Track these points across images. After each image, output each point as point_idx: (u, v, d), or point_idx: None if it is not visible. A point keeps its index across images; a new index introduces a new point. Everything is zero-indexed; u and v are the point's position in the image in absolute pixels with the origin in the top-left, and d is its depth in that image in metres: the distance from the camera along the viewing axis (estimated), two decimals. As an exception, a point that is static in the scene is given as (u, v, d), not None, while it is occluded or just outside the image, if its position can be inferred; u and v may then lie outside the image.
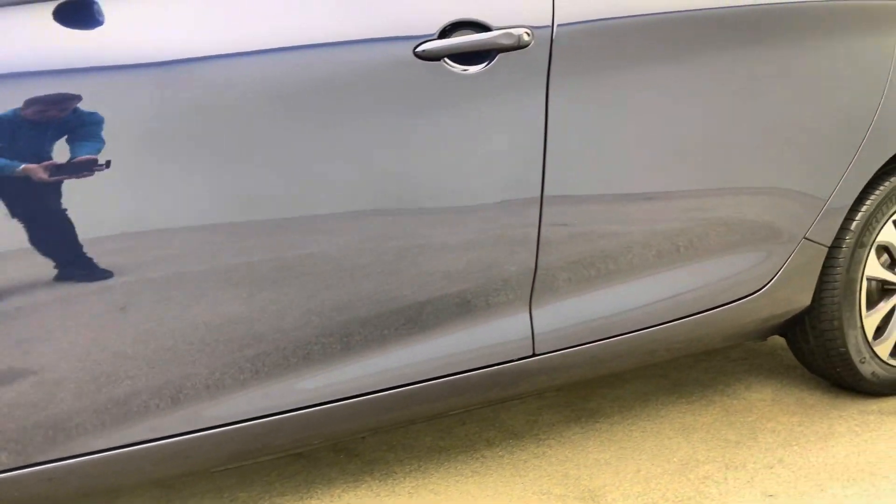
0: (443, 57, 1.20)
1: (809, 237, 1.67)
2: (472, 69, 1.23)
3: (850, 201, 1.71)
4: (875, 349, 1.84)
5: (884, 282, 1.87)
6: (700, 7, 1.46)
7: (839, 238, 1.76)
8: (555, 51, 1.30)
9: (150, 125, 1.05)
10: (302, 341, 1.21)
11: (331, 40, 1.17)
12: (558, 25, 1.30)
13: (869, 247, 1.78)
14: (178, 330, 1.12)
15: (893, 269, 1.86)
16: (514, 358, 1.40)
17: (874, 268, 1.80)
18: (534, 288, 1.38)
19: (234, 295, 1.14)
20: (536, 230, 1.34)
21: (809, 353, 1.90)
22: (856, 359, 1.82)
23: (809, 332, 1.84)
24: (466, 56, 1.24)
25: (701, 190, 1.54)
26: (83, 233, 1.02)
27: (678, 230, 1.51)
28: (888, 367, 1.87)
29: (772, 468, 1.60)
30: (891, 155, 1.74)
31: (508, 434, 1.77)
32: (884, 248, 1.86)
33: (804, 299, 1.75)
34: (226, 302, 1.13)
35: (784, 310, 1.73)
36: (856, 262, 1.76)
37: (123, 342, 1.08)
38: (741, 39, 1.53)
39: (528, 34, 1.26)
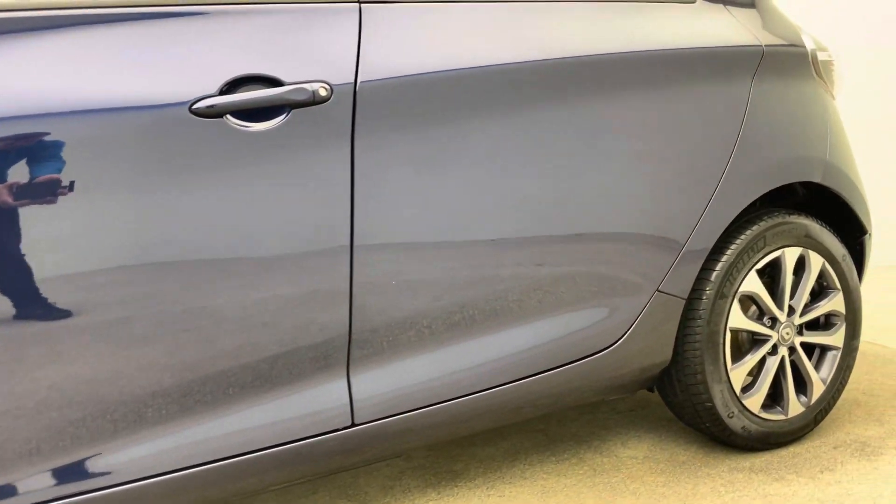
0: (224, 114, 1.13)
1: (663, 289, 1.62)
2: (259, 126, 1.16)
3: (706, 252, 1.66)
4: (745, 403, 1.78)
5: (753, 333, 1.82)
6: (526, 59, 1.42)
7: (698, 289, 1.71)
8: (360, 105, 1.24)
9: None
10: (83, 417, 1.11)
11: (110, 101, 1.09)
12: (363, 81, 1.24)
13: (731, 297, 1.73)
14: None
15: (762, 320, 1.81)
16: (332, 429, 1.31)
17: (738, 319, 1.75)
18: (350, 351, 1.29)
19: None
20: (348, 289, 1.26)
21: (679, 408, 1.84)
22: (723, 413, 1.75)
23: (676, 386, 1.78)
24: (259, 111, 1.17)
25: (541, 243, 1.48)
26: None
27: (518, 285, 1.45)
28: (760, 420, 1.82)
29: (624, 535, 1.52)
30: (745, 205, 1.70)
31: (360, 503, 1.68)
32: (750, 299, 1.82)
33: (664, 353, 1.69)
34: None
35: (644, 364, 1.67)
36: (717, 313, 1.71)
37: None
38: (578, 90, 1.49)
39: (326, 89, 1.20)
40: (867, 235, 1.99)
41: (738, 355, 1.81)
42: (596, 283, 1.54)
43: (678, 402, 1.81)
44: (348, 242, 1.25)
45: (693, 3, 1.73)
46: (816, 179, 1.82)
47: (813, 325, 1.95)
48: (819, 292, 1.94)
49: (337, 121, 1.22)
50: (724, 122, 1.67)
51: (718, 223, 1.66)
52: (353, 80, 1.23)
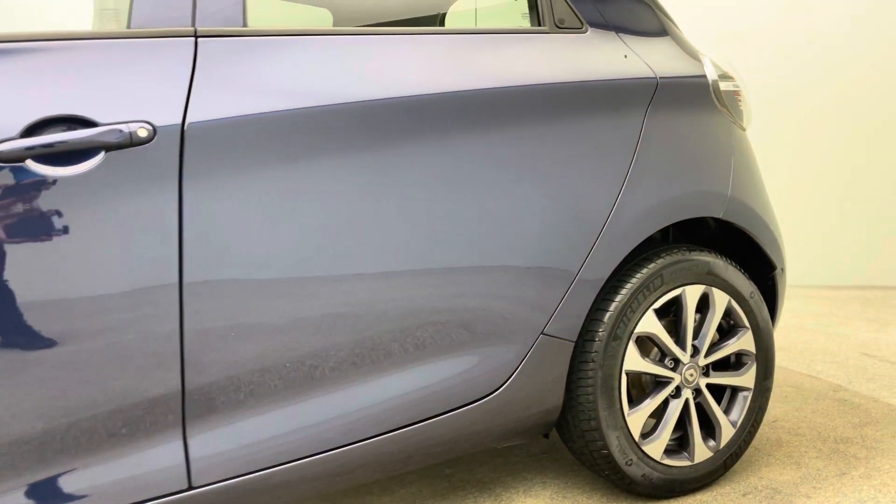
0: (25, 158, 1.05)
1: (549, 333, 1.54)
2: (67, 170, 1.08)
3: (595, 293, 1.58)
4: (645, 449, 1.70)
5: (655, 375, 1.74)
6: (384, 96, 1.35)
7: (590, 331, 1.63)
8: (189, 146, 1.16)
9: None
10: None
11: None
12: (193, 121, 1.17)
13: (626, 339, 1.65)
14: None
15: (664, 361, 1.73)
16: (167, 492, 1.21)
17: (634, 361, 1.67)
18: (185, 408, 1.20)
19: None
20: (178, 339, 1.18)
21: (579, 454, 1.75)
22: (621, 461, 1.67)
23: (573, 432, 1.69)
24: (73, 154, 1.09)
25: (406, 286, 1.40)
26: None
27: (384, 331, 1.37)
28: (663, 467, 1.73)
29: None
30: (636, 243, 1.63)
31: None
32: (649, 340, 1.74)
33: (554, 399, 1.61)
34: None
35: (532, 411, 1.59)
36: (610, 356, 1.62)
37: None
38: (443, 125, 1.42)
39: (147, 130, 1.12)
40: (778, 272, 1.92)
41: (641, 399, 1.73)
42: (471, 327, 1.46)
43: (576, 448, 1.73)
44: (177, 294, 1.17)
45: (583, 32, 1.67)
46: (717, 215, 1.75)
47: (723, 366, 1.87)
48: (728, 331, 1.86)
49: (160, 163, 1.14)
50: (614, 156, 1.60)
51: (607, 262, 1.59)
52: (180, 120, 1.15)
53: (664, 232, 1.99)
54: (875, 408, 2.41)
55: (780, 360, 3.15)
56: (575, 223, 1.55)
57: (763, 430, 2.22)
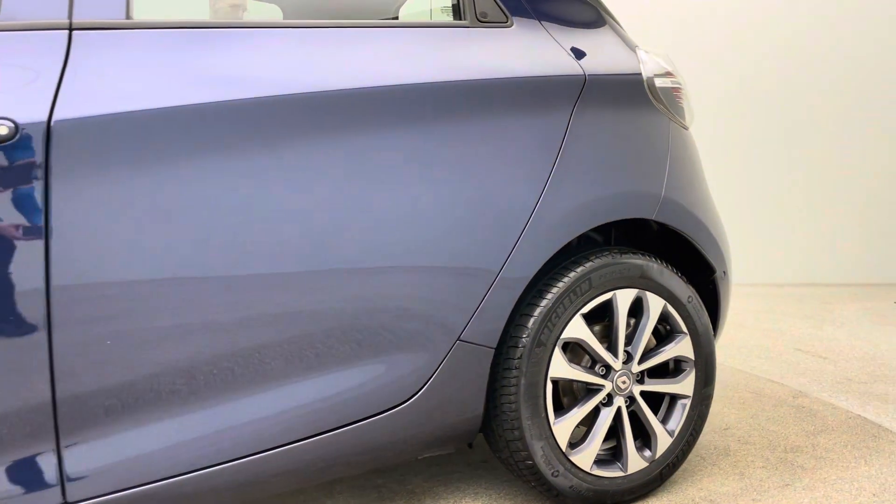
0: None
1: (466, 339, 1.48)
2: None
3: (515, 298, 1.52)
4: (573, 459, 1.63)
5: (585, 383, 1.67)
6: (270, 94, 1.29)
7: (514, 337, 1.56)
8: (56, 144, 1.10)
9: None
10: None
11: None
12: (61, 118, 1.11)
13: (551, 345, 1.58)
14: None
15: (594, 368, 1.66)
16: (40, 508, 1.15)
17: (560, 368, 1.60)
18: (57, 420, 1.14)
19: None
20: (46, 348, 1.12)
21: (506, 464, 1.68)
22: (546, 472, 1.60)
23: (498, 442, 1.63)
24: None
25: (305, 289, 1.33)
26: None
27: (281, 337, 1.31)
28: (593, 478, 1.66)
29: None
30: (560, 245, 1.56)
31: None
32: (578, 346, 1.67)
33: (474, 408, 1.54)
34: None
35: (451, 420, 1.52)
36: (534, 363, 1.56)
37: None
38: (344, 122, 1.36)
39: (9, 127, 1.07)
40: (720, 275, 1.85)
41: (563, 408, 1.67)
42: (381, 333, 1.40)
43: (502, 458, 1.66)
44: (44, 299, 1.10)
45: (508, 26, 1.60)
46: (650, 217, 1.69)
47: (661, 373, 1.81)
48: (666, 336, 1.80)
49: (23, 162, 1.08)
50: (536, 154, 1.54)
51: (529, 265, 1.52)
52: (46, 118, 1.09)
53: (606, 234, 1.93)
54: (833, 415, 2.34)
55: (727, 359, 3.18)
56: (493, 224, 1.49)
57: (713, 437, 2.15)
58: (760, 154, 5.80)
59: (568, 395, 1.73)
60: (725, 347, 3.33)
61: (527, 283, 1.53)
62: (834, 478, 1.85)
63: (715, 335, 1.93)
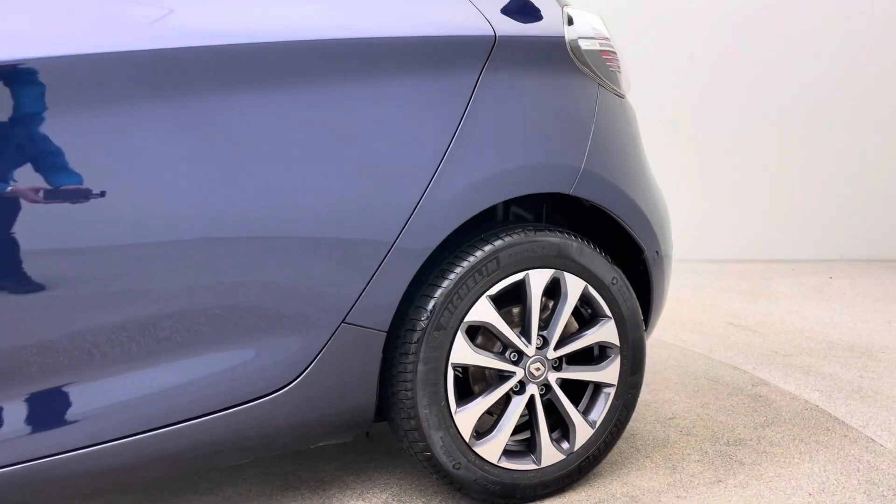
0: None
1: (352, 321, 1.36)
2: None
3: (408, 278, 1.40)
4: (478, 451, 1.52)
5: (494, 370, 1.55)
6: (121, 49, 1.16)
7: (412, 320, 1.44)
8: None
9: None
10: None
11: None
12: None
13: (453, 329, 1.46)
14: None
15: (505, 354, 1.54)
16: None
17: (464, 354, 1.48)
18: None
19: None
20: None
21: (408, 455, 1.57)
22: (447, 464, 1.49)
23: (398, 432, 1.52)
24: None
25: (166, 264, 1.22)
26: None
27: (137, 318, 1.20)
28: (502, 471, 1.55)
29: None
30: (459, 223, 1.43)
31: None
32: (487, 330, 1.55)
33: (365, 395, 1.43)
34: None
35: (340, 407, 1.41)
36: (433, 347, 1.44)
37: None
38: (227, 82, 1.23)
39: None
40: (652, 256, 1.71)
41: (468, 396, 1.55)
42: (253, 314, 1.29)
43: (403, 448, 1.55)
44: None
45: (411, -19, 1.47)
46: (566, 191, 1.55)
47: (585, 360, 1.68)
48: (589, 321, 1.67)
49: None
50: (436, 121, 1.41)
51: (424, 242, 1.40)
52: None
53: (536, 211, 1.80)
54: (789, 407, 2.20)
55: (657, 332, 3.14)
56: (384, 194, 1.36)
57: (653, 427, 2.03)
58: (704, 132, 5.81)
59: (480, 382, 1.61)
60: (658, 321, 3.29)
61: (422, 260, 1.41)
62: (772, 474, 1.72)
63: (648, 321, 1.80)
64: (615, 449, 1.87)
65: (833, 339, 3.14)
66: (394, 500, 1.64)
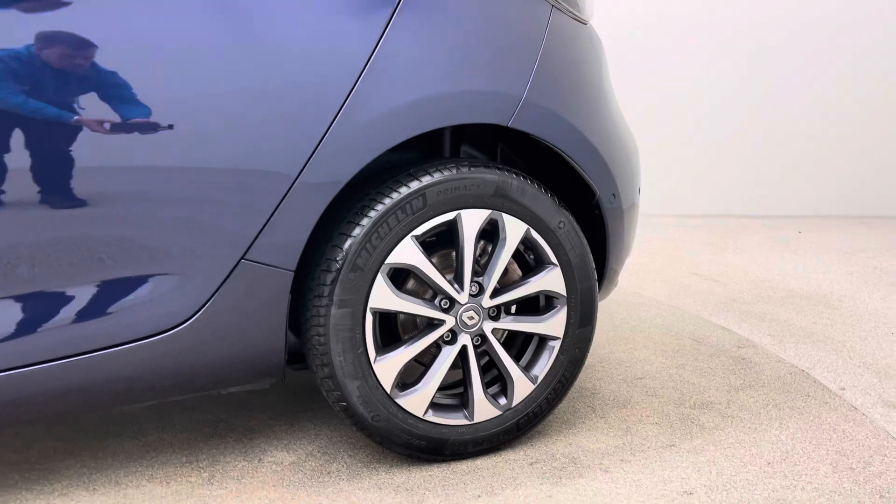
0: None
1: (253, 258, 1.25)
2: None
3: (316, 213, 1.28)
4: (401, 403, 1.41)
5: (423, 318, 1.44)
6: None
7: (327, 260, 1.33)
8: None
9: None
10: None
11: None
12: None
13: (372, 271, 1.34)
14: None
15: (435, 301, 1.42)
16: None
17: (385, 298, 1.36)
18: None
19: None
20: None
21: (328, 404, 1.47)
22: (365, 415, 1.39)
23: (315, 380, 1.42)
24: None
25: (48, 190, 1.11)
26: None
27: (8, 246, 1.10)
28: (427, 426, 1.44)
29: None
30: (375, 154, 1.30)
31: None
32: (412, 274, 1.43)
33: (273, 340, 1.33)
34: None
35: (242, 350, 1.31)
36: (349, 290, 1.33)
37: None
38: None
39: None
40: (607, 200, 1.56)
41: (391, 343, 1.44)
42: (141, 246, 1.19)
43: (324, 397, 1.45)
44: None
45: None
46: (504, 123, 1.40)
47: (531, 309, 1.56)
48: (535, 268, 1.54)
49: None
50: (349, 39, 1.27)
51: (335, 174, 1.28)
52: None
53: (491, 149, 1.66)
54: (772, 370, 2.05)
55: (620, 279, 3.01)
56: (286, 119, 1.23)
57: (618, 387, 1.90)
58: (677, 87, 5.63)
59: (412, 332, 1.50)
60: (618, 275, 3.22)
61: (332, 195, 1.28)
62: (732, 440, 1.58)
63: (604, 272, 1.65)
64: (568, 408, 1.75)
65: (792, 288, 3.11)
66: (319, 452, 1.55)
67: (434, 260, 1.43)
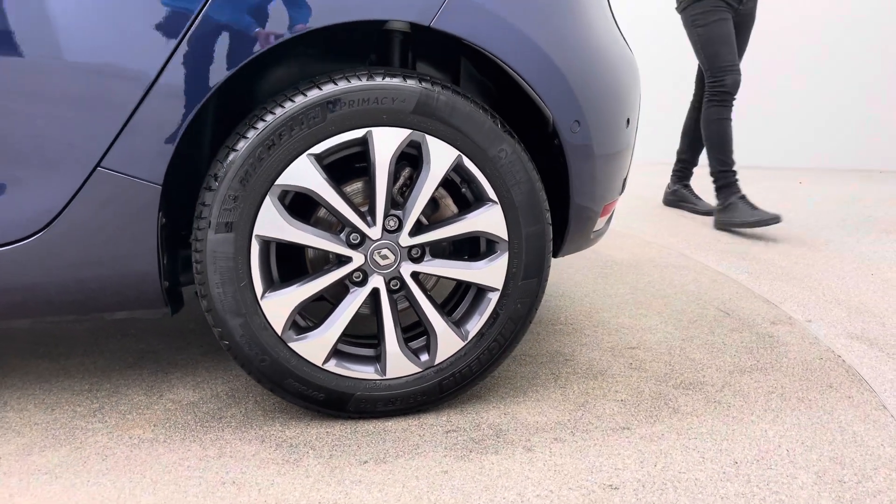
0: None
1: (109, 167, 1.10)
2: None
3: (181, 117, 1.10)
4: (294, 348, 1.23)
5: (331, 253, 1.24)
6: None
7: (207, 176, 1.16)
8: None
9: None
10: None
11: None
12: None
13: (258, 193, 1.16)
14: None
15: (342, 235, 1.22)
16: None
17: (274, 225, 1.18)
18: None
19: None
20: None
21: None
22: (252, 356, 1.22)
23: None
24: None
25: None
26: None
27: None
28: (327, 377, 1.26)
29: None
30: (252, 55, 1.10)
31: None
32: (311, 199, 1.23)
33: (142, 262, 1.18)
34: None
35: (106, 272, 1.17)
36: (229, 212, 1.15)
37: None
38: None
39: None
40: (572, 126, 1.29)
41: (286, 279, 1.25)
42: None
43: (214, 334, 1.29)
44: None
45: None
46: (424, 22, 1.16)
47: (470, 252, 1.33)
48: (473, 204, 1.30)
49: None
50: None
51: (203, 76, 1.09)
52: None
53: (454, 74, 1.43)
54: (800, 352, 1.71)
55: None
56: (141, 13, 1.05)
57: (600, 356, 1.63)
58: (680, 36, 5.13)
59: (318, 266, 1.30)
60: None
61: (199, 101, 1.09)
62: (704, 430, 1.30)
63: (570, 218, 1.38)
64: (527, 373, 1.51)
65: (779, 233, 3.04)
66: (226, 394, 1.40)
67: (352, 188, 1.22)
